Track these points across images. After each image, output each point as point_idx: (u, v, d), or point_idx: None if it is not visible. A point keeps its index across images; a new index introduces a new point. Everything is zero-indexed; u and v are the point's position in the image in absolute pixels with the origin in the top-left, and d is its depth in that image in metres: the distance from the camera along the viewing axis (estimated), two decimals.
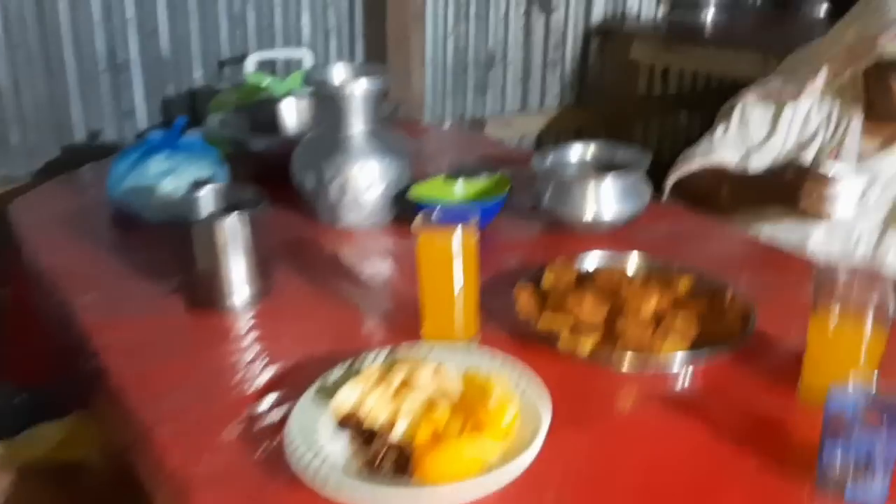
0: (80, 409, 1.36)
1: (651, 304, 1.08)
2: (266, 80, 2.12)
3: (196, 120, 2.07)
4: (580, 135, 3.25)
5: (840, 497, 0.80)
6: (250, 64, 2.24)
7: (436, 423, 0.83)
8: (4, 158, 2.18)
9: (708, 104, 2.17)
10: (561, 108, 3.21)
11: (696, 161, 1.70)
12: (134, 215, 1.48)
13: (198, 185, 1.24)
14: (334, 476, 0.80)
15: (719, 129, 1.71)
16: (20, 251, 1.47)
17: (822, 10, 3.22)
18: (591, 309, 1.07)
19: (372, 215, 1.45)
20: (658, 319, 1.06)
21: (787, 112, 1.62)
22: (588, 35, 3.18)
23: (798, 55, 1.70)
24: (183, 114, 2.22)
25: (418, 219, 1.04)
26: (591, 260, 1.22)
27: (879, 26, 1.44)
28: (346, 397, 0.88)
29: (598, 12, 3.17)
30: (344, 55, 2.66)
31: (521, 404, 0.88)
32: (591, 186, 1.37)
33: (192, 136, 1.59)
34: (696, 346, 1.02)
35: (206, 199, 1.23)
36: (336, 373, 0.95)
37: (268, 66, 2.39)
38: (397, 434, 0.83)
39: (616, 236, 1.40)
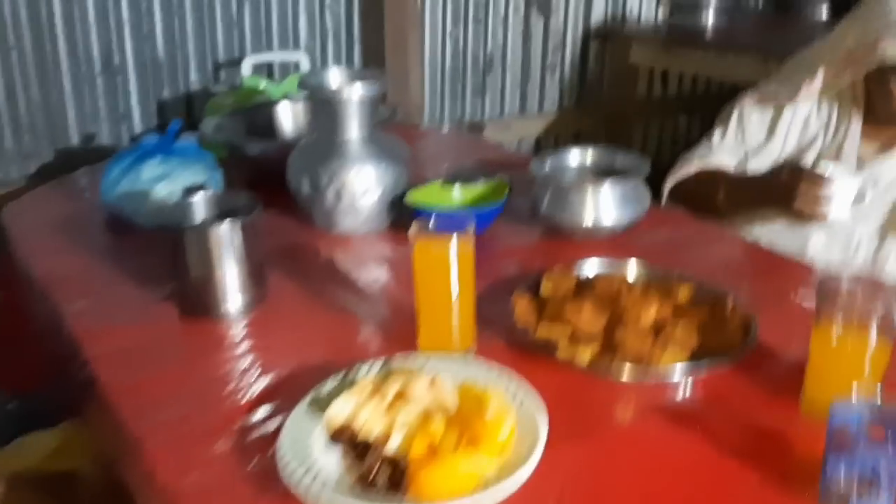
0: (73, 416, 1.34)
1: (651, 313, 1.06)
2: (262, 84, 2.11)
3: (192, 123, 2.06)
4: (579, 138, 3.24)
5: None
6: (246, 67, 2.23)
7: (431, 437, 0.81)
8: None
9: (708, 107, 2.15)
10: (560, 112, 3.19)
11: (693, 165, 1.69)
12: (127, 220, 1.46)
13: (191, 190, 1.23)
14: (326, 492, 0.78)
15: (717, 134, 1.69)
16: (12, 256, 1.45)
17: (823, 12, 3.21)
18: (589, 318, 1.05)
19: (368, 221, 1.43)
20: (658, 329, 1.04)
21: (786, 116, 1.60)
22: (587, 38, 3.17)
23: (797, 58, 1.69)
24: (178, 117, 2.22)
25: (414, 226, 1.03)
26: (590, 267, 1.20)
27: (880, 30, 1.42)
28: (340, 410, 0.86)
29: (598, 15, 3.15)
30: (341, 58, 2.65)
31: (518, 417, 0.86)
32: (590, 192, 1.36)
33: (187, 140, 1.57)
34: (696, 355, 1.01)
35: (200, 205, 1.21)
36: (330, 384, 0.94)
37: (264, 70, 2.37)
38: (392, 448, 0.82)
39: (615, 242, 1.39)
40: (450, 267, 1.00)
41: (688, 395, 0.99)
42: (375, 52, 2.61)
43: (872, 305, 0.89)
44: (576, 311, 1.05)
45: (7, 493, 1.25)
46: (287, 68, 2.43)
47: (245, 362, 1.06)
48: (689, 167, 1.69)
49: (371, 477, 0.80)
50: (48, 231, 1.49)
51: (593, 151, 1.50)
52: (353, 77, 1.42)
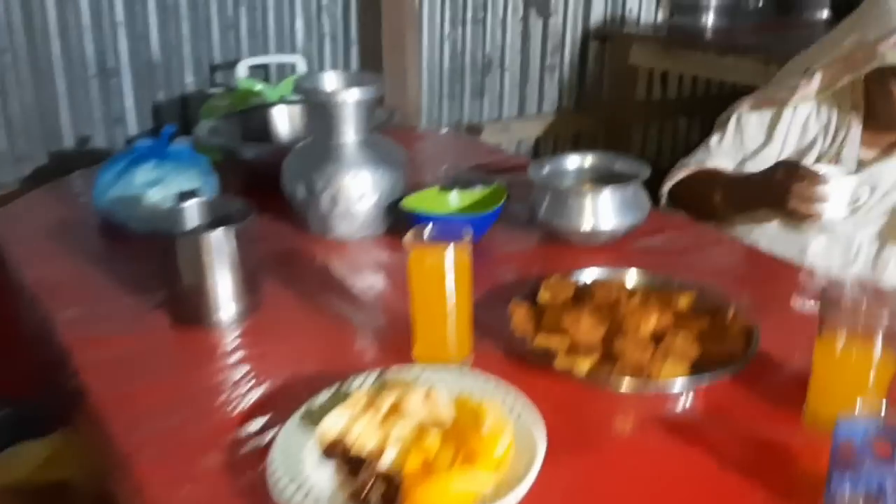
0: (66, 426, 1.32)
1: (650, 322, 1.04)
2: (258, 86, 2.09)
3: (187, 125, 2.04)
4: (578, 140, 3.23)
5: None
6: (242, 69, 2.21)
7: (426, 453, 0.79)
8: None
9: (708, 109, 2.14)
10: (559, 113, 3.17)
11: (691, 168, 1.67)
12: (120, 226, 1.44)
13: (185, 196, 1.21)
14: None
15: (714, 138, 1.68)
16: (4, 261, 1.43)
17: (824, 14, 3.19)
18: (588, 328, 1.03)
19: (364, 226, 1.41)
20: (658, 338, 1.02)
21: (784, 119, 1.59)
22: (586, 39, 3.15)
23: (795, 60, 1.68)
24: (174, 119, 2.20)
25: (410, 234, 1.01)
26: (589, 275, 1.18)
27: (880, 34, 1.41)
28: (333, 424, 0.84)
29: (597, 16, 3.14)
30: (338, 60, 2.63)
31: (515, 431, 0.84)
32: (589, 199, 1.34)
33: (181, 144, 1.55)
34: (697, 365, 0.99)
35: (192, 211, 1.19)
36: (323, 396, 0.92)
37: (261, 72, 2.35)
38: (385, 463, 0.80)
39: (614, 248, 1.37)
40: (446, 276, 0.98)
41: (688, 406, 0.97)
42: (373, 54, 2.59)
43: (878, 316, 0.87)
44: (574, 321, 1.03)
45: None
46: (284, 70, 2.41)
47: (238, 373, 1.04)
48: (687, 170, 1.68)
49: (364, 494, 0.78)
50: (40, 236, 1.48)
51: (592, 156, 1.48)
52: (350, 80, 1.40)
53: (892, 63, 1.39)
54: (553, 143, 3.18)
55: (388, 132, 1.51)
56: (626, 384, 0.96)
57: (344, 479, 0.81)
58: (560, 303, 1.11)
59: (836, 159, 1.54)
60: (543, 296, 1.12)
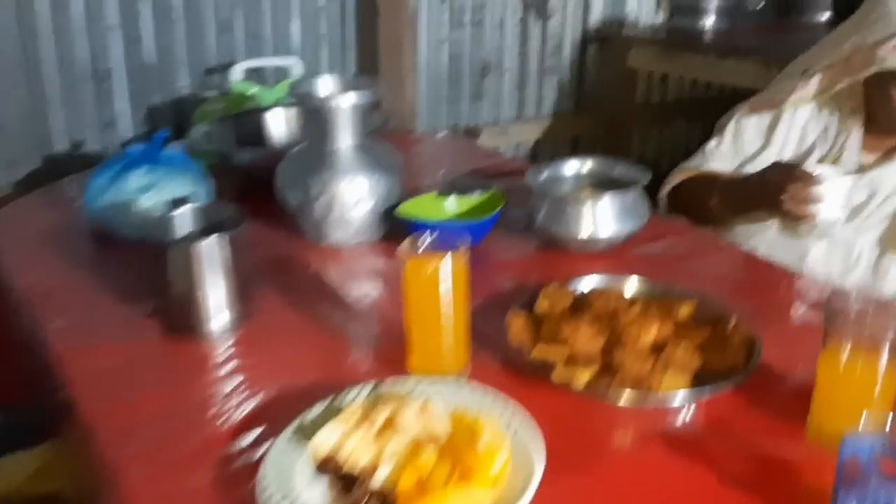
0: (56, 436, 1.30)
1: (650, 333, 1.02)
2: (253, 89, 2.07)
3: (181, 129, 2.02)
4: (577, 143, 3.21)
5: None
6: (237, 72, 2.18)
7: (421, 470, 0.77)
8: None
9: (708, 112, 2.12)
10: (558, 116, 3.15)
11: (689, 171, 1.66)
12: (112, 232, 1.42)
13: (177, 202, 1.19)
14: None
15: (712, 142, 1.67)
16: None
17: (825, 16, 3.17)
18: (587, 339, 1.01)
19: (360, 233, 1.39)
20: (658, 348, 1.00)
21: (784, 123, 1.57)
22: (585, 41, 3.13)
23: (795, 63, 1.66)
24: (168, 123, 2.18)
25: (405, 244, 0.99)
26: (588, 283, 1.16)
27: (879, 38, 1.39)
28: (326, 439, 0.82)
29: (596, 18, 3.12)
30: (335, 63, 2.61)
31: (512, 447, 0.82)
32: (588, 205, 1.32)
33: (175, 149, 1.53)
34: (698, 377, 0.97)
35: (184, 218, 1.17)
36: (316, 410, 0.90)
37: (256, 75, 2.33)
38: (379, 480, 0.78)
39: (614, 255, 1.35)
40: (442, 287, 0.96)
41: (689, 419, 0.95)
42: (370, 56, 2.57)
43: (883, 328, 0.85)
44: (573, 331, 1.01)
45: None
46: (280, 73, 2.39)
47: (230, 384, 1.02)
48: (684, 173, 1.66)
49: None
50: (32, 242, 1.46)
51: (591, 161, 1.46)
52: (346, 85, 1.38)
53: (891, 67, 1.37)
54: (552, 146, 3.15)
55: (385, 136, 1.49)
56: (625, 397, 0.94)
57: (337, 495, 0.79)
58: (558, 312, 1.09)
59: (836, 164, 1.52)
60: (541, 305, 1.11)
